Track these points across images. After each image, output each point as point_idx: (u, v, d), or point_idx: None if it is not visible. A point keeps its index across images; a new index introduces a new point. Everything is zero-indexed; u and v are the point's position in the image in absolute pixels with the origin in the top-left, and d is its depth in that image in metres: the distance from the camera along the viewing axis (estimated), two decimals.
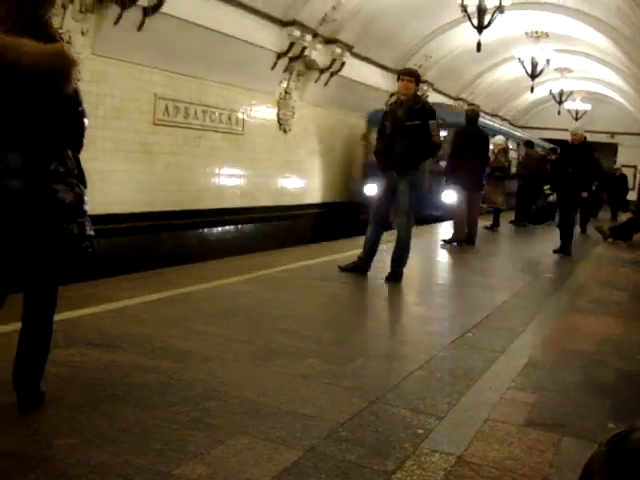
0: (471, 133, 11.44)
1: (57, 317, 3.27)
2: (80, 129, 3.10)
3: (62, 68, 2.86)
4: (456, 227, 11.25)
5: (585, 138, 11.14)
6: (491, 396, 3.77)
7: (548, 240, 10.57)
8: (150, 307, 5.26)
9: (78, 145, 3.13)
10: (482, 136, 11.61)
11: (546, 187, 10.87)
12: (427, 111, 7.18)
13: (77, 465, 2.60)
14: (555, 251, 10.77)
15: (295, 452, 2.85)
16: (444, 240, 11.16)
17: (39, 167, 2.92)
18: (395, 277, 7.19)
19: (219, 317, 5.15)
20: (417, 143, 7.06)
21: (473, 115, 11.76)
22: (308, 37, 14.77)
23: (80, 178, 3.10)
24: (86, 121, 3.11)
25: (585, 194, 11.07)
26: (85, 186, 3.12)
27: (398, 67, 15.71)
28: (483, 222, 13.21)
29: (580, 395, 3.95)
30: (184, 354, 4.11)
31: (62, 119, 2.98)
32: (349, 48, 17.01)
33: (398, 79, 7.34)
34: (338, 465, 2.76)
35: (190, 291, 5.92)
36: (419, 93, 7.52)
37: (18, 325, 3.15)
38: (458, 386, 3.88)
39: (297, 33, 14.24)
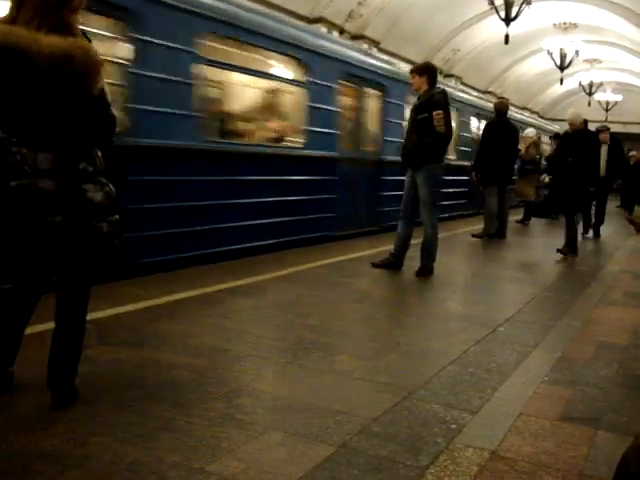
0: (500, 126, 11.36)
1: (89, 316, 3.31)
2: (109, 129, 3.13)
3: (88, 66, 2.90)
4: (487, 221, 11.18)
5: (585, 123, 9.97)
6: (524, 391, 3.74)
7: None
8: (182, 305, 5.30)
9: (107, 145, 3.16)
10: (512, 129, 11.52)
11: (542, 177, 10.09)
12: (433, 102, 7.03)
13: (111, 463, 2.62)
14: (559, 250, 9.35)
15: (327, 448, 2.85)
16: (474, 234, 11.10)
17: (69, 167, 2.96)
18: (425, 272, 7.18)
19: (252, 314, 5.17)
20: (423, 136, 7.02)
21: (502, 108, 11.66)
22: (335, 34, 14.79)
23: (109, 177, 3.13)
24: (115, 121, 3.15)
25: (593, 189, 10.27)
26: (114, 185, 3.15)
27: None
28: (513, 216, 13.11)
29: (614, 389, 3.90)
30: (217, 351, 4.13)
31: (91, 119, 3.01)
32: (376, 44, 17.01)
33: None
34: (371, 461, 2.76)
35: (224, 288, 5.96)
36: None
37: (52, 325, 3.19)
38: (491, 381, 3.85)
39: (324, 30, 14.27)
